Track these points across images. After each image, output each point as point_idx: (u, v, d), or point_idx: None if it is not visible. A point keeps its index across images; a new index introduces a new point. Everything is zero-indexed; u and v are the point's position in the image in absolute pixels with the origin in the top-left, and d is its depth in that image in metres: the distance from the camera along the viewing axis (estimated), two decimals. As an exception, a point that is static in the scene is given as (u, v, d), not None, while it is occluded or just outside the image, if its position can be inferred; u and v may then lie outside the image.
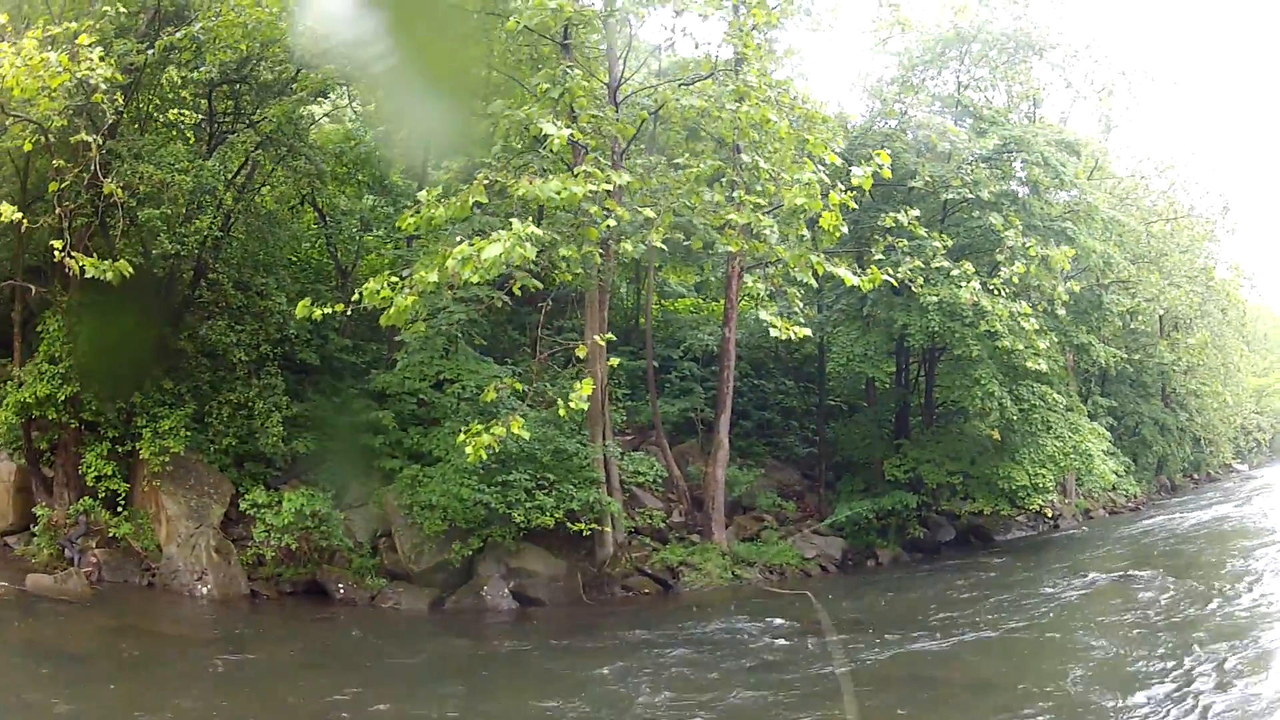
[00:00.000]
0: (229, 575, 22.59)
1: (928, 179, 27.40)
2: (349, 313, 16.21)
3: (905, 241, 22.73)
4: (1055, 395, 30.09)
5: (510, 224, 14.21)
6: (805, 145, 18.56)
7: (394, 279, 15.77)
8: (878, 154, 15.78)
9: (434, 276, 14.92)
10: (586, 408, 16.33)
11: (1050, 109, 41.18)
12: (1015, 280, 25.04)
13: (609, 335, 18.19)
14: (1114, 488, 40.15)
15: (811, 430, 35.38)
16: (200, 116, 26.27)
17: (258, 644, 19.86)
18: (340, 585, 23.16)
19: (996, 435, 28.50)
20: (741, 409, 29.95)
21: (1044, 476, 29.54)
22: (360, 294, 15.82)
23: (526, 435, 16.51)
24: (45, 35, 16.88)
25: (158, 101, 25.74)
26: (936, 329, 26.77)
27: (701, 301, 40.25)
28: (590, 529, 23.85)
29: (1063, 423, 30.27)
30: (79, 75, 16.49)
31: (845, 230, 17.23)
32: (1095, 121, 48.08)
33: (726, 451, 28.35)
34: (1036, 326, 25.59)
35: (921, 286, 23.04)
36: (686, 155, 19.96)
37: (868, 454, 32.34)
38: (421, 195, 16.06)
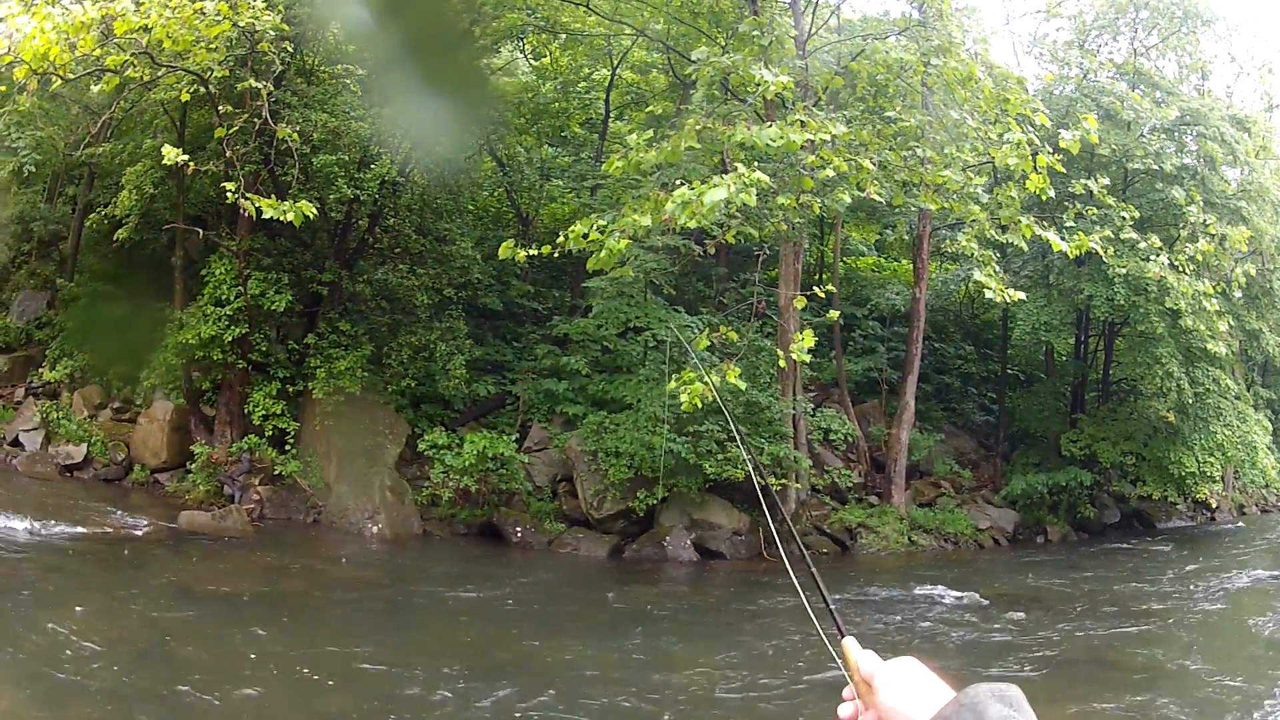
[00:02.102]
0: (402, 515, 22.74)
1: (1113, 146, 26.65)
2: (555, 255, 15.83)
3: (1095, 210, 22.08)
4: (1228, 381, 29.21)
5: (736, 168, 13.74)
6: (1006, 105, 17.94)
7: (601, 223, 15.33)
8: (1085, 118, 15.29)
9: (647, 220, 14.46)
10: (808, 359, 15.91)
11: (1215, 84, 40.18)
12: (1199, 258, 24.28)
13: (830, 287, 17.68)
14: (1268, 485, 39.02)
15: (989, 398, 34.77)
16: (366, 72, 26.22)
17: (432, 584, 19.93)
18: (518, 529, 23.23)
19: (1172, 418, 27.65)
20: (921, 372, 29.26)
21: (1212, 465, 28.79)
22: (567, 236, 15.36)
23: (743, 386, 16.09)
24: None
25: (323, 54, 25.63)
26: (1121, 302, 26.08)
27: (883, 260, 39.74)
28: (780, 485, 23.41)
29: (1232, 411, 29.43)
30: (241, 24, 16.18)
31: (1052, 193, 16.65)
32: (1258, 99, 46.78)
33: (912, 414, 27.97)
34: (1217, 308, 24.78)
35: (1112, 257, 22.44)
36: (899, 108, 19.33)
37: (1044, 426, 31.55)
38: (630, 139, 15.60)
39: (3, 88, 16.25)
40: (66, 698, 11.38)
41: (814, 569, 2.77)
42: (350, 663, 14.00)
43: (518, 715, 12.62)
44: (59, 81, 15.94)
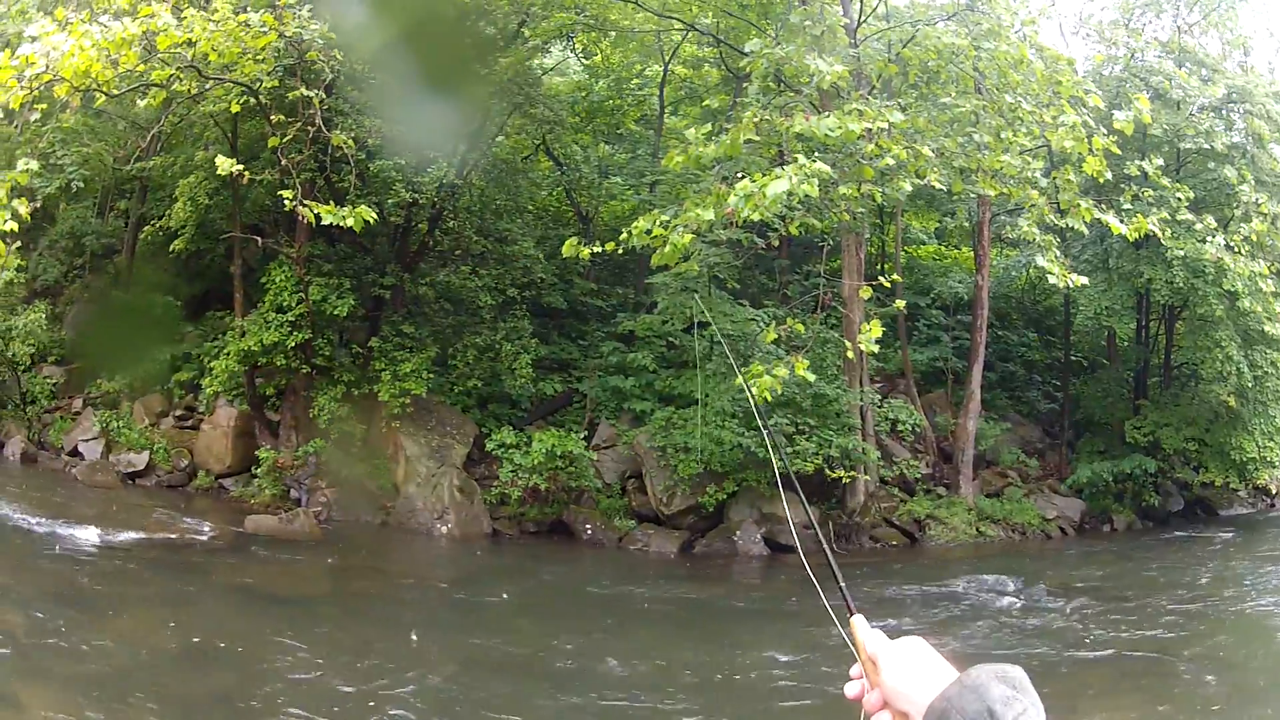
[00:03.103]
0: (471, 514, 22.85)
1: (1164, 126, 26.43)
2: (619, 252, 15.79)
3: (1150, 191, 21.91)
4: (1285, 363, 28.86)
5: (797, 159, 13.72)
6: (1058, 88, 17.85)
7: (663, 218, 15.35)
8: (1137, 98, 15.18)
9: (710, 214, 14.45)
10: (876, 350, 15.87)
11: (1257, 60, 39.81)
12: (1254, 238, 24.09)
13: (895, 277, 17.64)
14: (1324, 470, 38.54)
15: (1054, 385, 34.17)
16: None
17: (502, 582, 19.97)
18: (587, 526, 23.25)
19: (1233, 402, 27.27)
20: (986, 360, 28.70)
21: (1272, 450, 28.21)
22: (630, 233, 15.38)
23: (811, 378, 16.09)
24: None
25: (371, 61, 25.80)
26: (1180, 284, 25.76)
27: (943, 248, 39.18)
28: (850, 477, 23.27)
29: (1289, 393, 29.04)
30: (287, 35, 16.21)
31: (1109, 175, 16.54)
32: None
33: (978, 403, 27.59)
34: (1273, 289, 24.58)
35: (1169, 239, 22.28)
36: (954, 94, 19.28)
37: (1108, 413, 30.94)
38: (689, 133, 15.61)
39: (44, 106, 16.13)
40: (131, 701, 11.46)
41: (826, 547, 2.80)
42: (419, 663, 14.11)
43: (588, 713, 12.67)
44: (103, 98, 15.89)
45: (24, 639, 13.02)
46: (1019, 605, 19.25)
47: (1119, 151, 16.51)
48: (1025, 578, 20.91)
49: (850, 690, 2.29)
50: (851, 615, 2.42)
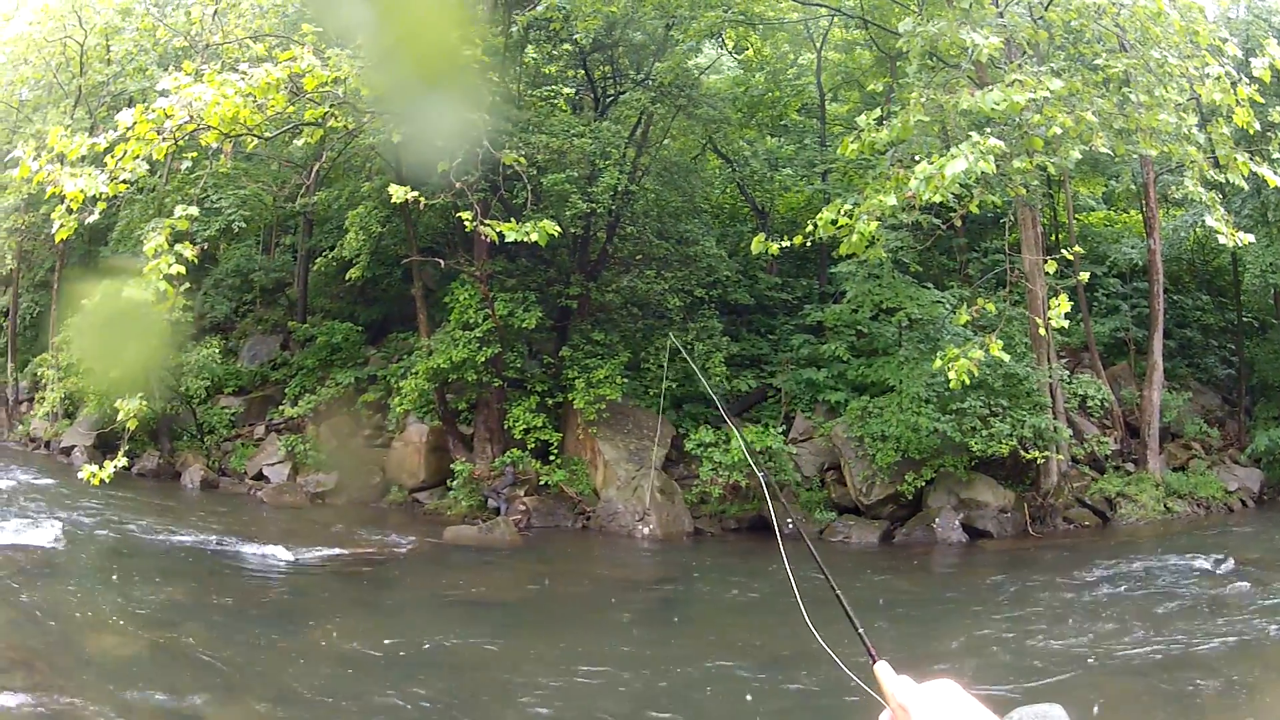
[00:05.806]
0: (672, 514, 23.15)
1: (1295, 68, 25.83)
2: (808, 244, 16.06)
3: (1293, 139, 21.48)
4: None
5: (969, 136, 13.87)
6: (1196, 38, 17.70)
7: (846, 207, 15.60)
8: (1264, 41, 14.97)
9: (892, 200, 14.65)
10: (1065, 324, 15.95)
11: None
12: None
13: (1078, 249, 17.62)
14: None
15: (1229, 350, 32.62)
16: (572, 90, 26.82)
17: (707, 580, 20.33)
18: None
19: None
20: (1164, 328, 27.60)
21: None
22: (816, 225, 15.66)
23: (1006, 358, 16.21)
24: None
25: (526, 80, 26.35)
26: (1332, 235, 25.04)
27: (1112, 214, 37.94)
28: (1043, 457, 23.00)
29: None
30: None
31: (1258, 125, 16.39)
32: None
33: (1161, 374, 26.75)
34: None
35: (1319, 187, 21.89)
36: (1102, 53, 19.25)
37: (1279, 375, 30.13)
38: (860, 120, 15.83)
39: (193, 154, 16.62)
40: (339, 712, 11.86)
41: (839, 593, 2.88)
42: (628, 661, 14.20)
43: (804, 709, 12.64)
44: (254, 142, 16.18)
45: (226, 655, 13.43)
46: (1210, 583, 18.78)
47: (1262, 100, 16.35)
48: (1215, 554, 20.27)
49: None
50: (874, 663, 2.42)
